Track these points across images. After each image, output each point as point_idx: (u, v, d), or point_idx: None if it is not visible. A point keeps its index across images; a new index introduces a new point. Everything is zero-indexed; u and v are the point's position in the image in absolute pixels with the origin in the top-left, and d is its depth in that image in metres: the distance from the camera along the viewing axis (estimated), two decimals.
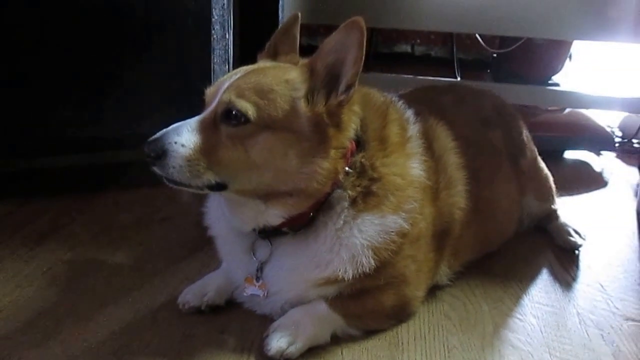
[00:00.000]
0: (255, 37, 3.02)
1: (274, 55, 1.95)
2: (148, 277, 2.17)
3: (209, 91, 1.78)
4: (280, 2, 3.12)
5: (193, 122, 1.69)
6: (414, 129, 1.97)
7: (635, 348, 1.92)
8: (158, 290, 2.09)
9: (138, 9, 2.64)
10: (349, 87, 1.69)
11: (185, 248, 2.38)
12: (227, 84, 1.72)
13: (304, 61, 1.79)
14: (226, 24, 2.22)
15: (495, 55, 4.31)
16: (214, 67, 2.27)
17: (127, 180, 2.97)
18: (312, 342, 1.79)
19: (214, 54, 2.25)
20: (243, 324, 1.91)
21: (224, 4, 2.19)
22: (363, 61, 1.67)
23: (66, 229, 2.49)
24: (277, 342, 1.73)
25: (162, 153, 1.63)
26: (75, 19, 2.58)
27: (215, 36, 2.24)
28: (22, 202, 2.69)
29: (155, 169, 1.66)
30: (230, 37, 2.26)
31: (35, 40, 2.55)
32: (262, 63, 1.89)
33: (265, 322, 1.86)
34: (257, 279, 1.87)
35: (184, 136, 1.65)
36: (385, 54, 5.65)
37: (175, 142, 1.64)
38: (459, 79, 4.45)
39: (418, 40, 5.25)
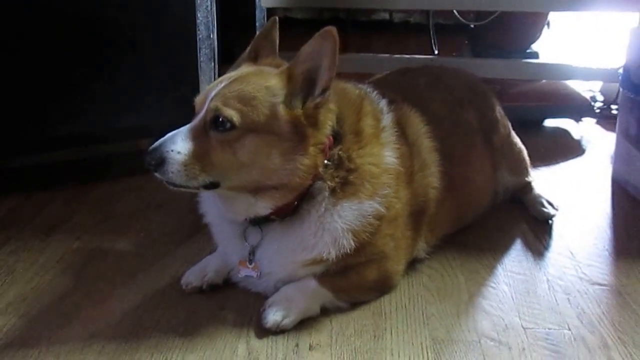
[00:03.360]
0: (235, 25, 3.26)
1: (254, 59, 2.17)
2: (151, 261, 2.40)
3: (197, 100, 2.01)
4: None
5: (185, 130, 1.93)
6: (387, 119, 2.21)
7: (598, 309, 2.15)
8: (162, 273, 2.32)
9: (129, 9, 2.87)
10: (324, 91, 1.93)
11: (182, 232, 2.61)
12: (213, 92, 1.95)
13: (283, 68, 2.00)
14: (210, 24, 2.43)
15: (473, 26, 4.49)
16: (200, 65, 2.46)
17: (120, 170, 3.18)
18: (304, 315, 2.03)
19: (200, 52, 2.45)
20: (241, 300, 2.14)
21: (207, 6, 2.40)
22: (336, 67, 1.90)
23: (71, 220, 2.72)
24: (273, 315, 1.98)
25: (161, 161, 1.87)
26: (68, 22, 2.80)
27: (200, 36, 2.44)
28: (25, 196, 2.92)
29: (157, 175, 1.90)
30: (214, 36, 2.46)
31: (32, 46, 2.77)
32: (245, 68, 2.10)
33: (260, 298, 2.09)
34: (250, 261, 2.11)
35: (179, 144, 1.89)
36: (364, 22, 5.80)
37: (172, 150, 1.88)
38: (436, 51, 4.67)
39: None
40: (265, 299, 2.07)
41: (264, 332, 1.99)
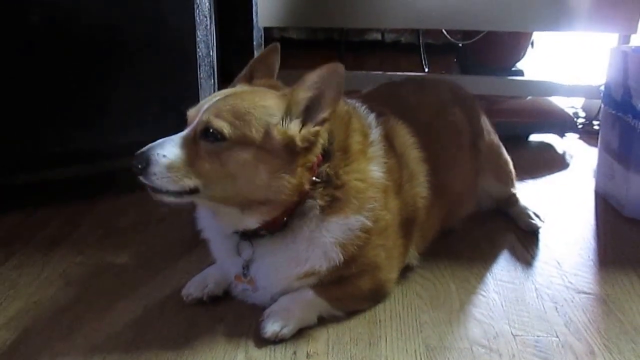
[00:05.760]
0: (233, 44, 3.26)
1: (249, 80, 2.16)
2: (152, 274, 2.39)
3: (190, 112, 1.98)
4: (254, 7, 3.38)
5: (176, 137, 1.91)
6: (375, 134, 2.20)
7: (584, 317, 2.16)
8: (162, 285, 2.31)
9: (130, 28, 2.88)
10: (324, 121, 1.94)
11: (183, 246, 2.60)
12: (206, 105, 1.94)
13: (285, 91, 2.00)
14: (210, 43, 2.44)
15: (460, 45, 4.52)
16: (200, 81, 2.47)
17: (121, 186, 3.17)
18: (302, 324, 2.03)
19: (199, 69, 2.46)
20: (240, 311, 2.13)
21: (207, 25, 2.41)
22: (339, 102, 1.94)
23: (73, 235, 2.70)
24: (272, 325, 1.97)
25: (146, 164, 1.85)
26: (70, 41, 2.80)
27: (200, 54, 2.45)
28: (30, 212, 2.90)
29: (141, 178, 1.88)
30: (213, 54, 2.48)
31: (33, 63, 2.77)
32: (240, 87, 2.10)
33: (259, 308, 2.09)
34: (245, 275, 2.11)
35: (167, 149, 1.87)
36: (357, 42, 5.82)
37: (158, 154, 1.86)
38: (426, 69, 4.69)
39: (388, 28, 5.42)
40: (264, 310, 2.06)
41: (263, 342, 1.99)
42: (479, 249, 2.65)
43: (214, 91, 2.53)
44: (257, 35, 3.38)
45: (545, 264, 2.55)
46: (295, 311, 2.04)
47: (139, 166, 1.86)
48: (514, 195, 2.95)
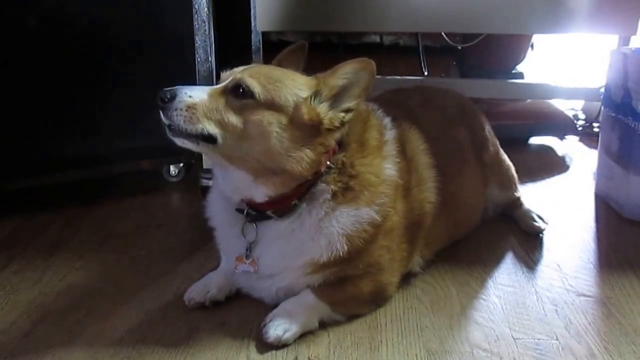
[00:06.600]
0: (232, 48, 3.27)
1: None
2: (153, 278, 2.40)
3: (224, 74, 2.06)
4: (252, 12, 3.40)
5: (206, 87, 1.98)
6: (390, 134, 2.24)
7: (584, 320, 2.18)
8: (164, 290, 2.32)
9: (130, 34, 2.92)
10: (348, 111, 2.01)
11: (183, 250, 2.62)
12: (242, 68, 2.02)
13: (315, 75, 2.06)
14: (208, 48, 2.45)
15: (460, 48, 4.51)
16: None
17: (121, 191, 3.21)
18: (304, 329, 2.05)
19: (198, 75, 2.49)
20: (242, 316, 2.15)
21: (205, 30, 2.43)
22: (366, 95, 2.01)
23: (73, 239, 2.72)
24: (274, 330, 1.99)
25: (172, 97, 1.90)
26: (70, 45, 2.83)
27: (199, 59, 2.47)
28: (29, 216, 2.92)
29: (161, 115, 1.92)
30: (212, 59, 2.50)
31: (33, 68, 2.79)
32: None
33: (261, 314, 2.10)
34: (247, 257, 2.12)
35: (195, 92, 1.93)
36: (355, 45, 5.84)
37: (185, 93, 1.91)
38: (425, 72, 4.69)
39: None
40: (266, 315, 2.08)
41: (264, 346, 2.00)
42: (479, 253, 2.67)
43: None
44: (256, 40, 3.39)
45: (545, 267, 2.57)
46: (297, 315, 2.06)
47: (165, 98, 1.91)
48: (518, 198, 2.97)
